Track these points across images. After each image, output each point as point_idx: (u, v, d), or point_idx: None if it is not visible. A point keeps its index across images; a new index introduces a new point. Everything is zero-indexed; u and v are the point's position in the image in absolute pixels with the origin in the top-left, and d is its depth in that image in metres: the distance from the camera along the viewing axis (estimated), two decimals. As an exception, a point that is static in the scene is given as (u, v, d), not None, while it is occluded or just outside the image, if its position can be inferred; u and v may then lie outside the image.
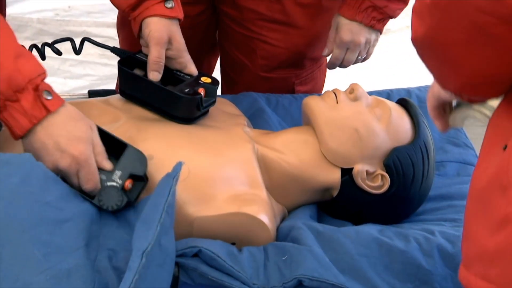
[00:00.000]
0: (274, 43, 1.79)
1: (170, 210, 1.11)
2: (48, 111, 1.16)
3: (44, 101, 1.15)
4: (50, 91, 1.17)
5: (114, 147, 1.26)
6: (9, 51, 1.14)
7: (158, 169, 1.25)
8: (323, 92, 1.46)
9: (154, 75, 1.39)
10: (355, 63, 1.76)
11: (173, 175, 1.14)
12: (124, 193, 1.21)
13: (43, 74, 1.17)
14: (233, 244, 1.25)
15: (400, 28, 3.15)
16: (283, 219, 1.37)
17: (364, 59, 1.77)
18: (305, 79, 1.88)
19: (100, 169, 1.21)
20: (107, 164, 1.22)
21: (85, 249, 1.11)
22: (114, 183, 1.21)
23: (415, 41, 0.91)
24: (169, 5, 1.38)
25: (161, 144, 1.32)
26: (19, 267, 1.04)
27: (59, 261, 1.07)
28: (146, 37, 1.39)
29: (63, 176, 1.19)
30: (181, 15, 1.41)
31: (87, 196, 1.20)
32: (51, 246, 1.08)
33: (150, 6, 1.38)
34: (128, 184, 1.22)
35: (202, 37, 1.82)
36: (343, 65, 1.76)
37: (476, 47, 0.84)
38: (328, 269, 1.18)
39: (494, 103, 1.00)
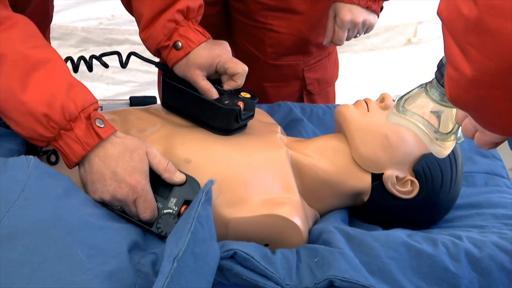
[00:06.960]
0: (278, 30, 1.90)
1: (204, 222, 1.13)
2: (101, 138, 1.20)
3: (96, 128, 1.19)
4: (102, 119, 1.21)
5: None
6: (62, 83, 1.19)
7: (195, 173, 1.29)
8: (356, 101, 1.49)
9: (213, 96, 1.43)
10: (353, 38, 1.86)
11: (204, 190, 1.17)
12: None
13: (95, 103, 1.22)
14: (267, 245, 1.28)
15: (432, 38, 3.14)
16: (315, 223, 1.39)
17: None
18: (314, 67, 1.98)
19: (156, 197, 1.24)
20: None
21: (128, 254, 1.13)
22: (170, 210, 1.25)
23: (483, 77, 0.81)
24: (178, 47, 1.41)
25: (198, 148, 1.36)
26: (62, 267, 1.07)
27: (101, 263, 1.09)
28: None
29: (122, 208, 1.23)
30: (190, 47, 1.42)
31: (145, 225, 1.23)
32: (95, 248, 1.10)
33: (169, 54, 1.43)
34: (184, 210, 1.24)
35: (218, 35, 1.92)
36: (337, 43, 1.85)
37: None
38: (359, 271, 1.20)
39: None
